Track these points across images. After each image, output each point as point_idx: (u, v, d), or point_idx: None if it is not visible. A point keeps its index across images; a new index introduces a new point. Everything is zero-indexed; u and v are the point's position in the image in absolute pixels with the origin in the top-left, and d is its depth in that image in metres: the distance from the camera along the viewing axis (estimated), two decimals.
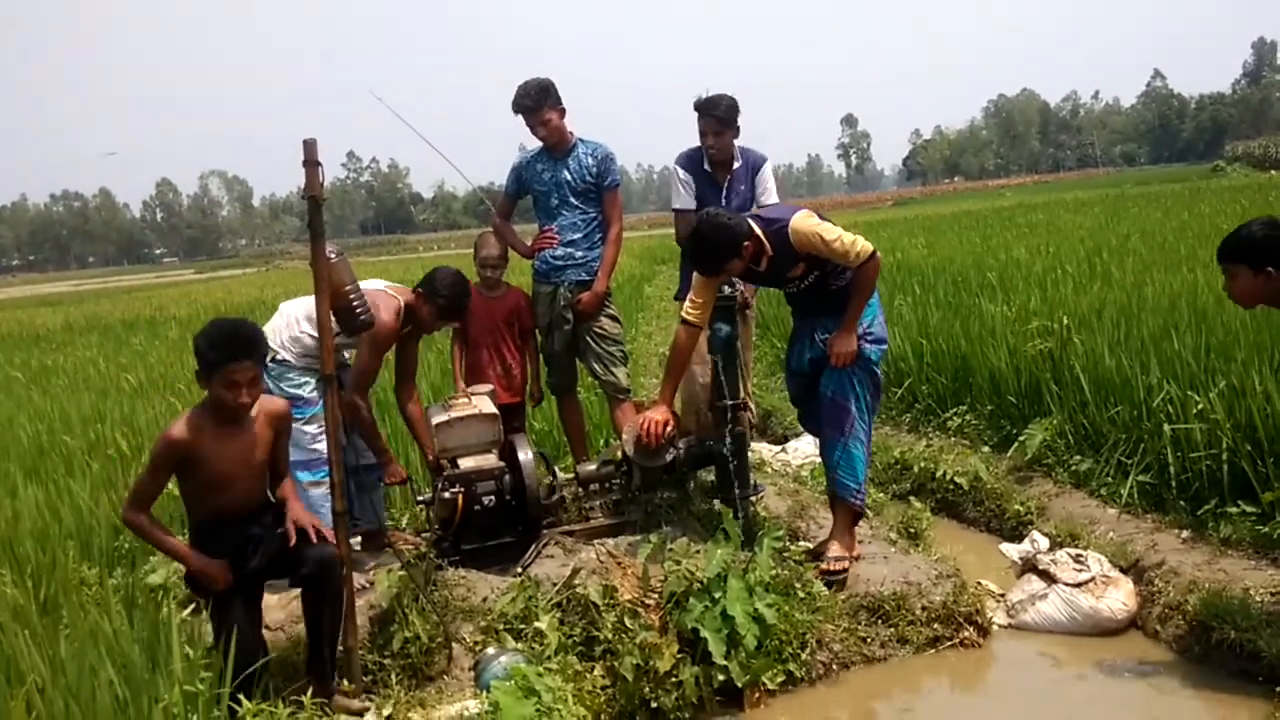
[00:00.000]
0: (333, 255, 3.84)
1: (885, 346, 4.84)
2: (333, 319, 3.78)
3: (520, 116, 5.43)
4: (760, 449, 7.22)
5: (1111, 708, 3.90)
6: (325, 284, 3.68)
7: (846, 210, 61.44)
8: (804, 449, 7.02)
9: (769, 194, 5.63)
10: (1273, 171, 40.03)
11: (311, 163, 3.58)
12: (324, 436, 4.42)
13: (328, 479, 4.40)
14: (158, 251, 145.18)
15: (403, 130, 5.78)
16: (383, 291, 4.66)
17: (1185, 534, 4.94)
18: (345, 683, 3.55)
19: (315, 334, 4.38)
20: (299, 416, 4.39)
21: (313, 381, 4.49)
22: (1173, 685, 3.97)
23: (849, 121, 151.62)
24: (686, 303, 4.62)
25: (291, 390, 4.45)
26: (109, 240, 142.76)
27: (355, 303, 4.00)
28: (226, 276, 50.75)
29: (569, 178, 5.47)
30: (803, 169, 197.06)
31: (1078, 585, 4.51)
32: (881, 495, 6.15)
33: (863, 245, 4.36)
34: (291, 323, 4.58)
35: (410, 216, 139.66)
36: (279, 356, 4.46)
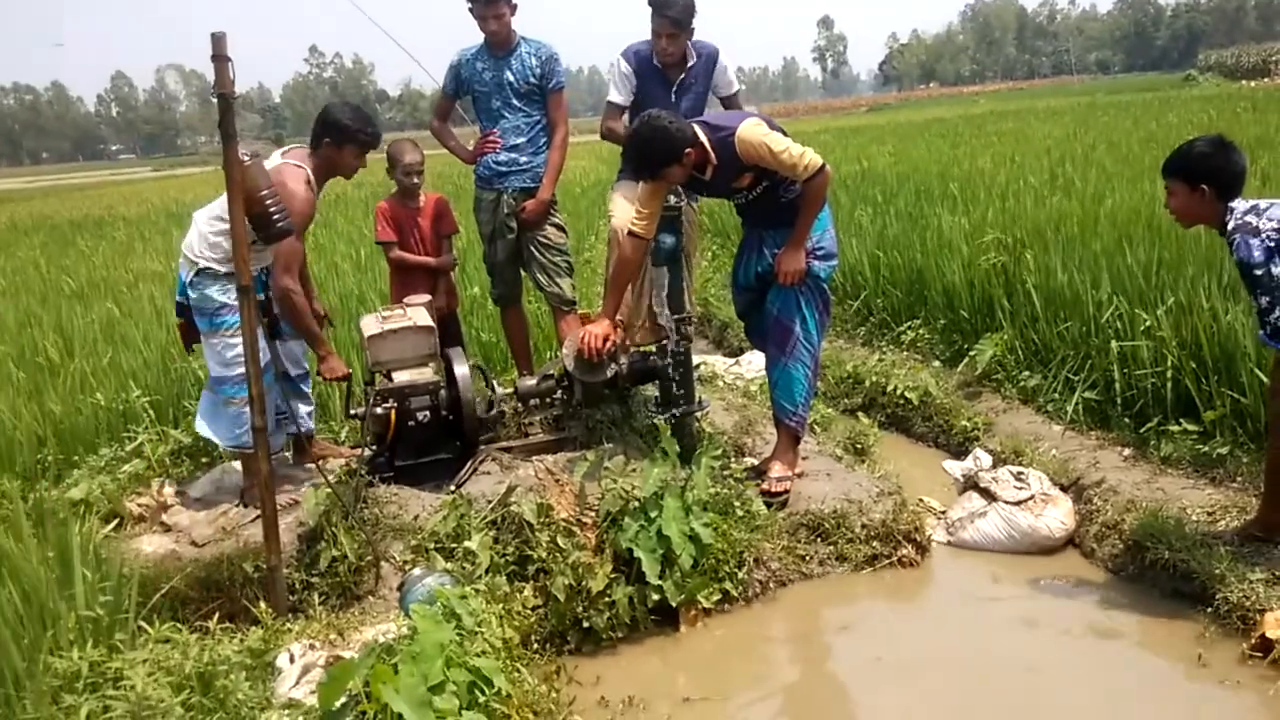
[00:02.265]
0: (246, 157, 3.63)
1: (835, 263, 4.69)
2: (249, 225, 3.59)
3: (472, 5, 5.15)
4: (713, 362, 7.14)
5: (1044, 626, 3.90)
6: (239, 189, 3.50)
7: (821, 115, 60.74)
8: (758, 362, 6.91)
9: (731, 85, 5.43)
10: (1243, 81, 39.78)
11: (220, 58, 3.34)
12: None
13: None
14: (114, 148, 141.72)
15: (367, 25, 5.54)
16: (285, 165, 4.34)
17: (1127, 452, 4.93)
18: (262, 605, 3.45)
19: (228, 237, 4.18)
20: (225, 327, 4.22)
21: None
22: (1106, 604, 3.98)
23: (825, 24, 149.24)
24: (633, 213, 4.44)
25: (220, 298, 4.20)
26: (63, 135, 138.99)
27: (272, 208, 3.80)
28: (183, 175, 49.62)
29: (511, 78, 5.23)
30: (778, 72, 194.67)
31: (1017, 504, 4.49)
32: (831, 410, 6.11)
33: (811, 158, 4.16)
34: (204, 229, 4.27)
35: (376, 114, 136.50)
36: (201, 266, 4.19)
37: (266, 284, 4.37)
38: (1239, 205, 3.52)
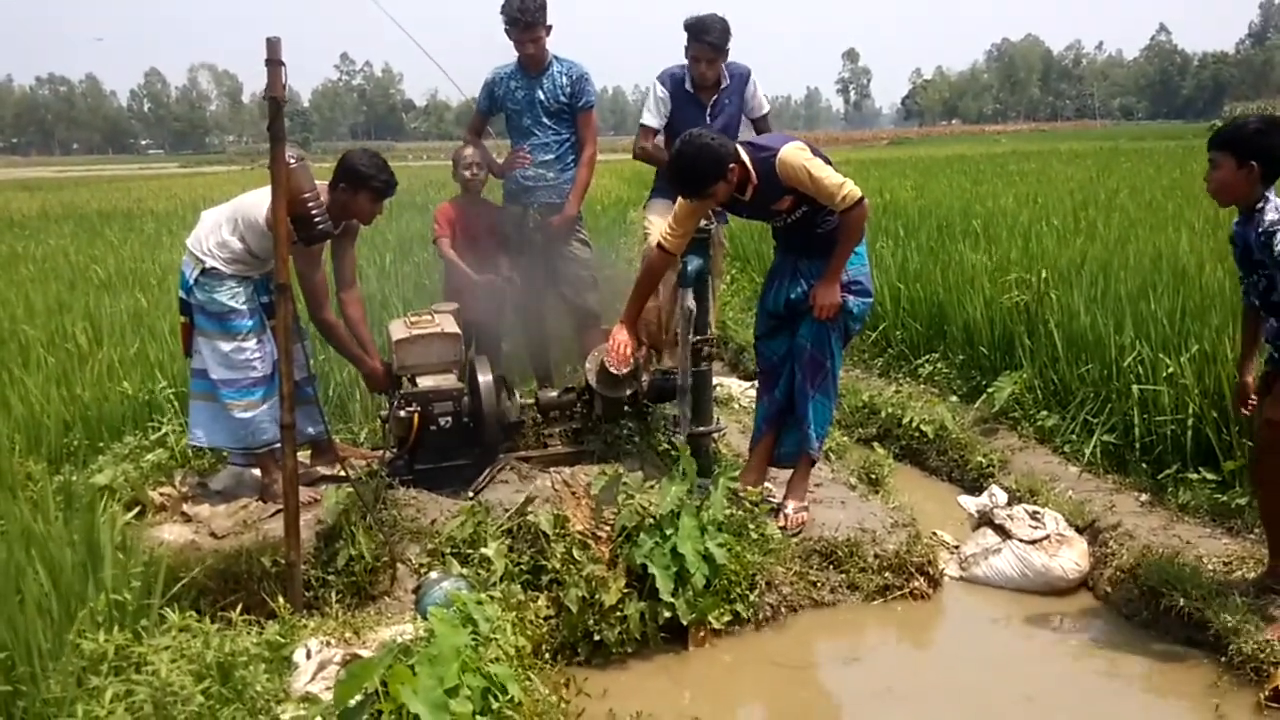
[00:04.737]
0: (292, 160, 3.70)
1: (870, 300, 4.67)
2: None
3: (510, 28, 5.23)
4: (730, 384, 7.17)
5: (1054, 667, 3.89)
6: (283, 190, 3.53)
7: (842, 146, 60.80)
8: None
9: (762, 105, 5.53)
10: None
11: (274, 62, 3.40)
12: (263, 353, 4.31)
13: (262, 399, 4.31)
14: (143, 142, 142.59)
15: (398, 35, 5.64)
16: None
17: (1144, 497, 4.94)
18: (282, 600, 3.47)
19: (241, 238, 4.21)
20: (236, 331, 4.25)
21: (244, 291, 4.29)
22: (1118, 648, 3.97)
23: (850, 56, 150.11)
24: (666, 228, 4.47)
25: (230, 302, 4.24)
26: (94, 128, 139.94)
27: (314, 211, 3.87)
28: (209, 172, 49.91)
29: (543, 97, 5.31)
30: (800, 101, 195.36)
31: (1032, 542, 4.49)
32: (845, 439, 6.12)
33: (851, 189, 4.15)
34: (216, 228, 4.29)
35: (401, 124, 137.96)
36: (207, 265, 4.22)
37: (269, 288, 4.38)
38: (1275, 198, 3.54)
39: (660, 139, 5.50)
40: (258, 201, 4.16)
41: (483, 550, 3.93)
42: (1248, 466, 4.23)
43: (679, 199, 4.37)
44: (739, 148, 4.25)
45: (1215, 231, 8.94)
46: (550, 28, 5.26)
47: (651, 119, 5.42)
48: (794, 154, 4.17)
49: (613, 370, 4.48)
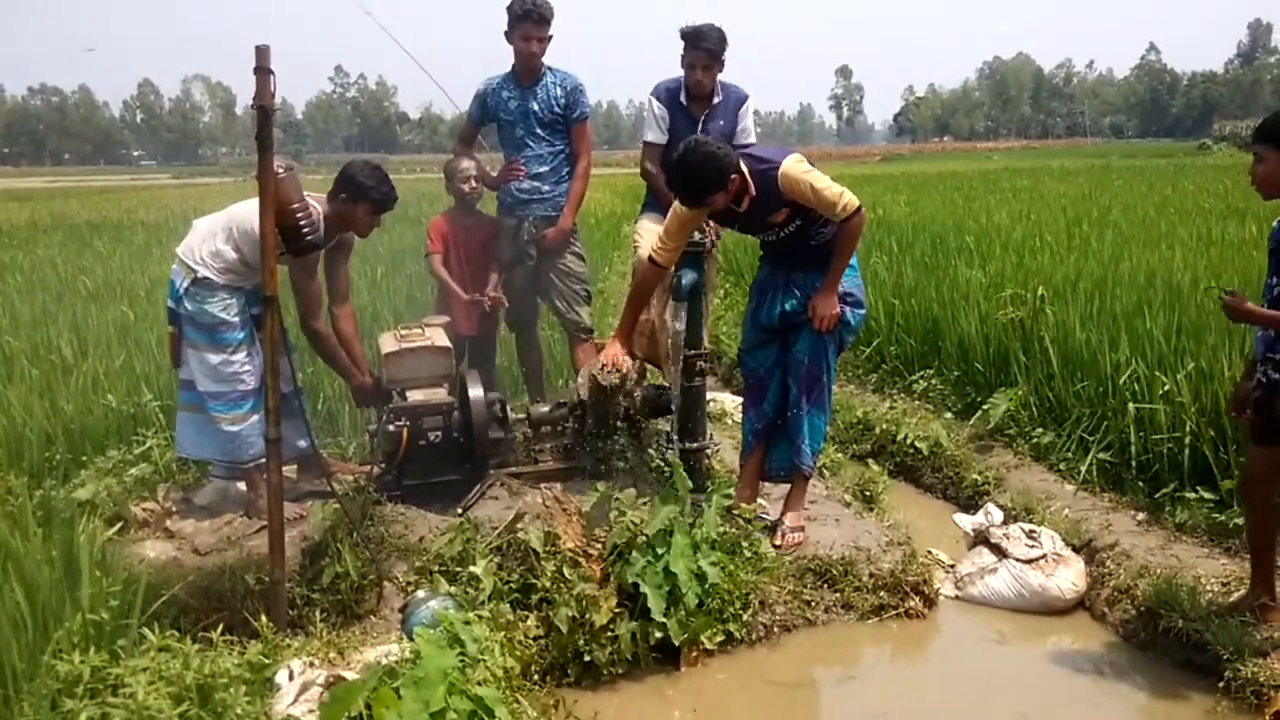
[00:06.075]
0: (281, 170, 3.64)
1: (864, 312, 4.65)
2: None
3: (520, 24, 5.16)
4: (723, 399, 7.11)
5: (1051, 689, 3.83)
6: (270, 199, 3.48)
7: (834, 162, 60.89)
8: None
9: (748, 133, 5.46)
10: None
11: (263, 70, 3.34)
12: (252, 366, 4.24)
13: (251, 412, 4.25)
14: (135, 153, 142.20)
15: (392, 48, 5.61)
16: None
17: (1141, 516, 4.88)
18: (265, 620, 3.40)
19: (235, 248, 4.17)
20: (225, 344, 4.19)
21: (236, 303, 4.23)
22: (1115, 670, 3.91)
23: (844, 73, 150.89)
24: (657, 241, 4.42)
25: (221, 314, 4.18)
26: (86, 139, 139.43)
27: (302, 221, 3.81)
28: (202, 184, 49.77)
29: (536, 108, 5.26)
30: (794, 117, 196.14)
31: (1028, 562, 4.44)
32: (840, 455, 6.07)
33: (850, 198, 4.14)
34: (209, 236, 4.24)
35: (395, 136, 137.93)
36: (199, 275, 4.17)
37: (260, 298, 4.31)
38: None
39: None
40: (252, 210, 4.10)
41: (471, 568, 3.86)
42: (1238, 488, 4.17)
43: (671, 210, 4.32)
44: (740, 159, 4.21)
45: (1208, 250, 8.95)
46: (552, 35, 5.23)
47: (654, 135, 5.32)
48: (795, 167, 4.16)
49: (600, 380, 4.42)
